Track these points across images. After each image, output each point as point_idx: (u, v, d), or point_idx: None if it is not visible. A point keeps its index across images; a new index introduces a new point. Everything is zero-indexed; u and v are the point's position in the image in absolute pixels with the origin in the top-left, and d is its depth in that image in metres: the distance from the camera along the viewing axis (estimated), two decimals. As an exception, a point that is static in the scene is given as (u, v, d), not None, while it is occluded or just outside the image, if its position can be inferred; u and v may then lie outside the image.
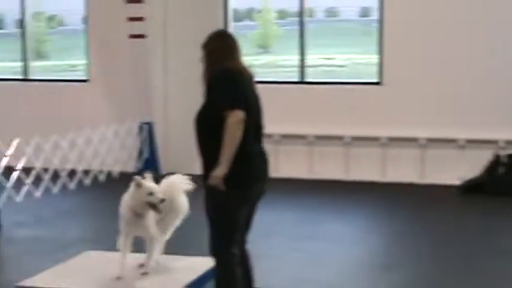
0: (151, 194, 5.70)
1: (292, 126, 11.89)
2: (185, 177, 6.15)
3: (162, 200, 5.70)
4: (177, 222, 6.26)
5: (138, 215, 5.78)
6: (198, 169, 13.33)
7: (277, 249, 7.91)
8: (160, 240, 6.10)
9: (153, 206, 5.71)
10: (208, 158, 5.17)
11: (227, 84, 5.12)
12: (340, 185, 11.36)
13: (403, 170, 11.46)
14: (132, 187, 5.79)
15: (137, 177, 5.76)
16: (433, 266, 7.26)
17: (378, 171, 11.57)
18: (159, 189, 5.79)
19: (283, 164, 11.90)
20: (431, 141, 11.34)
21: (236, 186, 5.06)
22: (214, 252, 5.24)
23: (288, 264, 7.41)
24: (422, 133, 11.36)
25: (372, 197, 10.57)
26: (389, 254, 7.84)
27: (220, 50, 5.29)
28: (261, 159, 5.29)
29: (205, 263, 6.35)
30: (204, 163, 5.23)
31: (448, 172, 11.18)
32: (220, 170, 4.98)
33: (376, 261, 7.58)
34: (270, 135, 11.72)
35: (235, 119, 4.98)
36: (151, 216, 5.86)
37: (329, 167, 11.75)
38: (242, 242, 5.41)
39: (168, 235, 6.25)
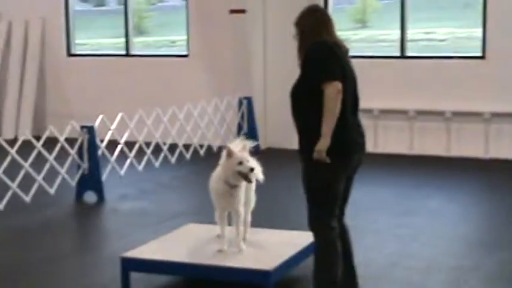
0: (241, 163, 5.66)
1: (393, 101, 11.73)
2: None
3: (252, 169, 5.64)
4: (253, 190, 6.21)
5: (231, 187, 5.77)
6: (296, 143, 13.34)
7: (378, 224, 7.83)
8: (249, 213, 6.07)
9: (244, 176, 5.68)
10: (305, 131, 5.15)
11: (324, 57, 5.07)
12: (441, 161, 11.16)
13: (506, 146, 11.17)
14: (223, 156, 5.77)
15: (228, 146, 5.75)
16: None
17: (479, 147, 11.30)
18: (250, 158, 5.75)
19: (382, 139, 11.77)
20: (537, 116, 11.02)
21: (335, 157, 5.01)
22: (314, 226, 5.21)
23: (389, 239, 7.33)
24: (527, 108, 11.05)
25: (474, 173, 10.34)
26: (494, 231, 7.65)
27: (313, 25, 5.24)
28: (358, 131, 5.22)
29: (305, 237, 6.37)
30: (301, 137, 5.19)
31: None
32: (324, 143, 4.95)
33: (480, 238, 7.41)
34: (369, 110, 11.62)
35: (334, 90, 4.94)
36: (243, 188, 5.84)
37: (429, 142, 11.56)
38: (340, 216, 5.36)
39: (252, 205, 6.21)
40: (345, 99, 5.03)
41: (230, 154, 5.68)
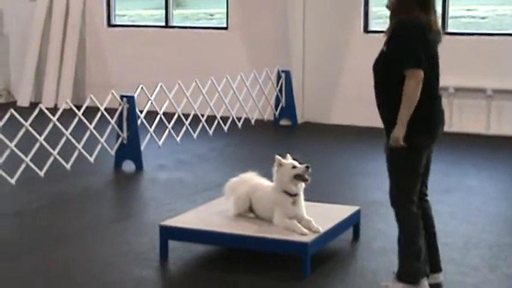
0: (294, 167, 5.74)
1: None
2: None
3: (308, 167, 5.71)
4: None
5: (292, 196, 5.79)
6: (333, 118, 13.35)
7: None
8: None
9: (301, 177, 5.73)
10: (387, 111, 5.08)
11: (413, 39, 4.89)
12: (480, 139, 11.05)
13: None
14: (275, 168, 5.83)
15: (277, 157, 5.82)
16: None
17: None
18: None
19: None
20: None
21: (425, 129, 5.01)
22: (397, 199, 5.16)
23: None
24: None
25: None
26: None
27: None
28: (441, 108, 5.16)
29: (342, 211, 6.36)
30: (383, 116, 5.14)
31: None
32: (399, 131, 4.92)
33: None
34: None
35: (415, 81, 4.85)
36: (302, 196, 5.89)
37: (469, 120, 11.44)
38: (424, 189, 5.34)
39: None
40: (430, 80, 4.97)
41: (281, 163, 5.79)
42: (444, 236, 6.50)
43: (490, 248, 6.33)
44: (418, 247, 5.14)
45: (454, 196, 8.00)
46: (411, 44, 4.89)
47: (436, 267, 5.39)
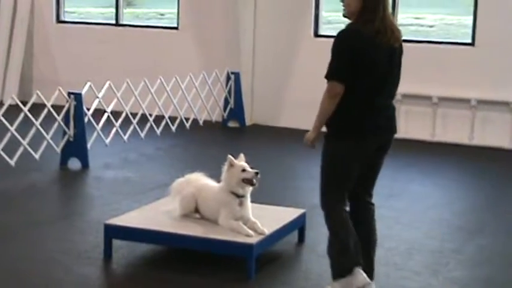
0: (244, 170, 5.74)
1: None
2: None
3: (257, 173, 5.73)
4: None
5: (239, 197, 5.80)
6: (281, 121, 13.34)
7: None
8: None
9: (249, 181, 5.74)
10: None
11: (337, 51, 4.93)
12: (426, 145, 11.20)
13: (491, 133, 11.20)
14: (225, 168, 5.81)
15: (230, 157, 5.80)
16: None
17: (465, 133, 11.32)
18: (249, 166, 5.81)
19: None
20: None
21: (347, 137, 5.02)
22: (323, 203, 5.17)
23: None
24: (513, 97, 11.07)
25: (459, 159, 10.38)
26: (476, 217, 7.67)
27: (357, 4, 4.95)
28: (383, 114, 5.09)
29: (288, 213, 6.38)
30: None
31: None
32: (311, 135, 5.11)
33: (462, 223, 7.43)
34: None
35: (328, 93, 4.95)
36: (249, 199, 5.90)
37: (415, 127, 11.57)
38: (363, 196, 5.30)
39: None
40: (372, 83, 4.95)
41: (232, 164, 5.76)
42: (388, 241, 6.57)
43: (433, 253, 6.40)
44: (342, 244, 5.09)
45: (399, 201, 8.08)
46: (334, 56, 4.96)
47: (369, 277, 5.26)
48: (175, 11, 13.15)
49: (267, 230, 5.81)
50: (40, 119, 8.96)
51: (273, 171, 9.13)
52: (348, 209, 5.21)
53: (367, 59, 4.93)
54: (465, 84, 11.33)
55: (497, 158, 10.51)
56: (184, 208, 6.09)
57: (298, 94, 12.27)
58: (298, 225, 6.46)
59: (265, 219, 5.99)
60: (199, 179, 6.18)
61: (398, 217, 7.45)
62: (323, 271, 5.80)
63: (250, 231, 5.70)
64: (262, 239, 5.71)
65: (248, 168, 5.77)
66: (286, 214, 6.37)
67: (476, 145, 11.13)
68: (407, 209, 7.81)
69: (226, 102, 12.27)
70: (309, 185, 8.63)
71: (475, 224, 7.39)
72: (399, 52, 5.13)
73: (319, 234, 6.71)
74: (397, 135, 5.32)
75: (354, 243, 5.11)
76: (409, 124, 11.56)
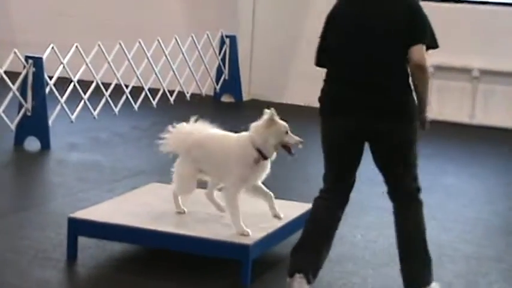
0: (287, 133, 5.77)
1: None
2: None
3: (302, 142, 5.80)
4: None
5: (263, 158, 5.81)
6: (286, 96, 13.37)
7: (383, 201, 7.84)
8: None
9: (289, 149, 5.78)
10: None
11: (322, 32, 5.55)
12: (464, 129, 11.24)
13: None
14: (262, 122, 5.80)
15: (273, 111, 5.79)
16: None
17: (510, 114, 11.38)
18: None
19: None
20: None
21: (320, 116, 5.45)
22: None
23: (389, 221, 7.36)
24: None
25: (504, 147, 10.39)
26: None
27: None
28: (336, 92, 5.39)
29: (294, 208, 6.40)
30: None
31: None
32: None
33: (505, 224, 7.45)
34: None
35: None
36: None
37: (452, 106, 11.62)
38: (390, 198, 5.55)
39: None
40: (342, 57, 5.36)
41: (274, 121, 5.76)
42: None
43: (468, 260, 6.42)
44: (299, 240, 5.37)
45: (428, 197, 8.06)
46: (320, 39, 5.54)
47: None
48: (159, -41, 13.15)
49: (278, 221, 5.95)
50: (-9, 89, 8.99)
51: (276, 157, 9.13)
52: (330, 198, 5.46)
53: (343, 29, 5.39)
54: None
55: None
56: (183, 189, 6.06)
57: (306, 64, 12.21)
58: (304, 224, 6.45)
59: (264, 216, 6.01)
60: (205, 129, 6.09)
61: (427, 216, 7.46)
62: (334, 278, 5.83)
63: (247, 230, 5.71)
64: (261, 238, 5.72)
65: (291, 132, 5.80)
66: (290, 209, 6.37)
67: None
68: (438, 206, 7.82)
69: (220, 72, 12.27)
70: (318, 174, 8.62)
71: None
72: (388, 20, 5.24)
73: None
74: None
75: (314, 243, 5.35)
76: (443, 103, 11.57)
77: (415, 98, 5.23)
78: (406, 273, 5.38)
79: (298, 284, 5.22)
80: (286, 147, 5.77)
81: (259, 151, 5.75)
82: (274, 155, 5.84)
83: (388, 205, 7.62)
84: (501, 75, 11.43)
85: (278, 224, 6.03)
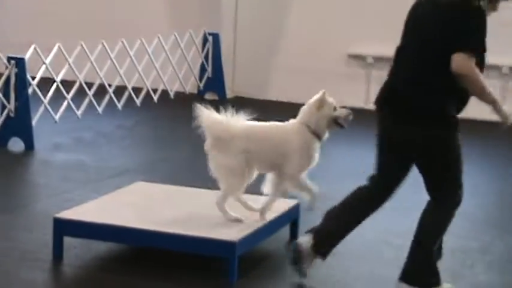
0: (335, 109, 5.84)
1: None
2: None
3: (350, 114, 5.87)
4: None
5: (320, 141, 5.90)
6: (270, 93, 13.34)
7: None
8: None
9: (340, 123, 5.88)
10: None
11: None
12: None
13: None
14: (312, 105, 5.87)
15: (324, 93, 5.85)
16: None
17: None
18: None
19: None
20: None
21: None
22: None
23: (380, 212, 7.34)
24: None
25: (487, 139, 10.42)
26: (506, 210, 7.71)
27: None
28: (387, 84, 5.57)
29: (281, 204, 6.38)
30: None
31: None
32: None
33: (489, 217, 7.47)
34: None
35: None
36: None
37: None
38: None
39: None
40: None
41: (323, 101, 5.82)
42: (398, 238, 6.60)
43: (453, 253, 6.41)
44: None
45: (413, 191, 8.09)
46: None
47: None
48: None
49: (260, 221, 5.94)
50: (-27, 90, 8.94)
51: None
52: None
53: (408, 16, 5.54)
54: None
55: None
56: (235, 186, 5.91)
57: (289, 60, 12.24)
58: (291, 219, 6.46)
59: (249, 213, 5.99)
60: (241, 120, 6.08)
61: (412, 209, 7.45)
62: (322, 275, 5.81)
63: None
64: (247, 235, 5.71)
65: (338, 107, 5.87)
66: (277, 205, 6.36)
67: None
68: (423, 199, 7.81)
69: (203, 69, 12.25)
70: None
71: (506, 218, 7.42)
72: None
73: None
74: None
75: (332, 233, 5.60)
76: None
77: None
78: (404, 265, 5.48)
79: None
80: (337, 123, 5.86)
81: (315, 134, 5.82)
82: (327, 134, 5.89)
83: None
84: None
85: (264, 220, 6.01)
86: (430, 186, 5.55)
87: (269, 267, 6.01)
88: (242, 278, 5.67)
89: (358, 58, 12.01)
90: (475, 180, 8.72)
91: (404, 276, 5.45)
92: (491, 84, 11.67)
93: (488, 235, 6.91)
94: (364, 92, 11.93)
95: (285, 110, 11.44)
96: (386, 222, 7.03)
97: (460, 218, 7.24)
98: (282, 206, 6.36)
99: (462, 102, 5.36)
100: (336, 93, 11.53)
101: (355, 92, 11.87)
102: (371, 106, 11.87)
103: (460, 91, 5.25)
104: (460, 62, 5.11)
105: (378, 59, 11.82)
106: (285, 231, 6.47)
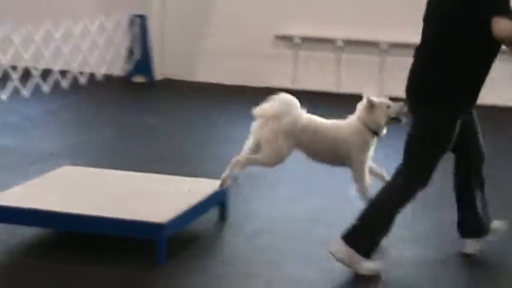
0: (389, 106, 5.95)
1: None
2: None
3: (403, 106, 5.90)
4: None
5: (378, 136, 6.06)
6: (199, 75, 13.28)
7: (298, 174, 7.89)
8: None
9: (397, 119, 5.97)
10: None
11: None
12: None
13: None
14: (362, 110, 5.97)
15: (369, 99, 5.93)
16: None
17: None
18: None
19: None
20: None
21: None
22: None
23: (311, 192, 7.38)
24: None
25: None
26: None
27: None
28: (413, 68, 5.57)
29: (207, 185, 6.36)
30: None
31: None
32: None
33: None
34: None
35: None
36: None
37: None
38: None
39: None
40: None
41: (373, 105, 5.93)
42: (329, 216, 6.62)
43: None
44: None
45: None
46: None
47: None
48: None
49: (188, 204, 5.86)
50: None
51: (189, 135, 9.11)
52: None
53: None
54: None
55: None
56: (275, 161, 6.05)
57: (218, 42, 12.21)
58: (219, 201, 6.43)
59: (178, 193, 6.01)
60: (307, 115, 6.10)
61: (345, 188, 7.50)
62: (250, 254, 5.81)
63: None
64: (175, 217, 5.67)
65: (391, 103, 5.95)
66: (205, 187, 6.33)
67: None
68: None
69: (131, 52, 12.15)
70: (231, 151, 8.58)
71: (428, 195, 7.41)
72: None
73: (244, 210, 6.73)
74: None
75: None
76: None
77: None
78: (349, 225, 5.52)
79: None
80: (394, 119, 5.97)
81: (373, 132, 5.98)
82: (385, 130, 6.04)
83: (300, 180, 7.68)
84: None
85: (192, 202, 5.98)
86: (402, 158, 5.58)
87: (198, 248, 5.98)
88: (171, 259, 5.63)
89: (285, 39, 12.02)
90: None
91: (345, 236, 5.44)
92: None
93: (412, 211, 6.90)
94: (291, 72, 11.97)
95: (214, 91, 11.55)
96: (316, 201, 7.07)
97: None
98: (210, 187, 6.33)
99: (472, 88, 5.42)
100: (264, 74, 11.83)
101: (283, 72, 11.91)
102: (298, 86, 12.03)
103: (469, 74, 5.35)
104: (501, 25, 5.10)
105: (305, 40, 11.89)
106: (213, 213, 6.45)
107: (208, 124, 9.86)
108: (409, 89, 5.51)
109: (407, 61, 5.61)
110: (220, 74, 11.96)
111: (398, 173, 5.54)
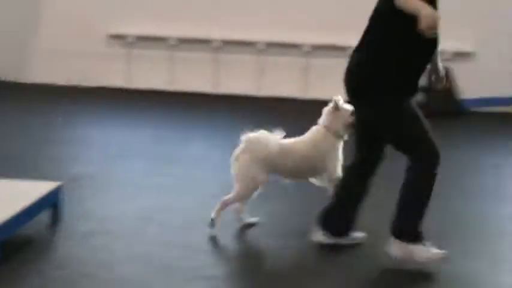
0: (352, 114, 6.13)
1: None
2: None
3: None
4: None
5: (342, 139, 6.34)
6: (30, 75, 13.04)
7: (132, 173, 7.89)
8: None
9: (352, 126, 6.18)
10: None
11: None
12: (206, 98, 11.45)
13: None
14: (328, 111, 6.28)
15: (336, 99, 6.23)
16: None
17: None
18: None
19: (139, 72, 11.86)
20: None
21: None
22: None
23: (143, 190, 7.40)
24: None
25: (245, 112, 10.69)
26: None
27: None
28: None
29: (40, 188, 6.30)
30: None
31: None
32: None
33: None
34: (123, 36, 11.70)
35: None
36: None
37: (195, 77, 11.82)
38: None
39: None
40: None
41: (338, 108, 6.23)
42: (162, 214, 6.68)
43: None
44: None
45: (176, 167, 8.20)
46: None
47: None
48: None
49: (14, 210, 5.74)
50: None
51: (22, 136, 9.03)
52: None
53: None
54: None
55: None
56: (248, 194, 6.35)
57: (49, 42, 12.06)
58: (52, 202, 6.39)
59: (9, 196, 5.95)
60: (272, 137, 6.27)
61: (175, 185, 7.56)
62: (83, 255, 5.80)
63: None
64: (5, 221, 5.60)
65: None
66: (36, 189, 6.27)
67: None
68: (185, 175, 7.93)
69: None
70: (67, 152, 8.53)
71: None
72: None
73: (79, 211, 6.70)
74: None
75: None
76: (189, 75, 11.77)
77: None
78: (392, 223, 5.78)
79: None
80: (351, 127, 6.18)
81: (338, 135, 6.29)
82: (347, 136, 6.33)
83: (135, 176, 7.71)
84: (241, 45, 11.77)
85: (24, 204, 5.92)
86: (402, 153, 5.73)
87: (32, 252, 5.91)
88: (5, 263, 5.56)
89: (119, 38, 11.96)
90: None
91: (394, 232, 5.70)
92: (249, 59, 12.16)
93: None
94: (124, 71, 11.92)
95: (46, 92, 11.36)
96: (148, 199, 7.11)
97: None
98: (42, 189, 6.29)
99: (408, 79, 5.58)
100: (97, 74, 11.75)
101: (116, 71, 11.86)
102: (131, 85, 11.97)
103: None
104: None
105: (139, 38, 11.87)
106: (46, 215, 6.40)
107: (45, 125, 9.74)
108: (348, 83, 5.69)
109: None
110: (52, 75, 11.81)
111: (410, 167, 5.68)
